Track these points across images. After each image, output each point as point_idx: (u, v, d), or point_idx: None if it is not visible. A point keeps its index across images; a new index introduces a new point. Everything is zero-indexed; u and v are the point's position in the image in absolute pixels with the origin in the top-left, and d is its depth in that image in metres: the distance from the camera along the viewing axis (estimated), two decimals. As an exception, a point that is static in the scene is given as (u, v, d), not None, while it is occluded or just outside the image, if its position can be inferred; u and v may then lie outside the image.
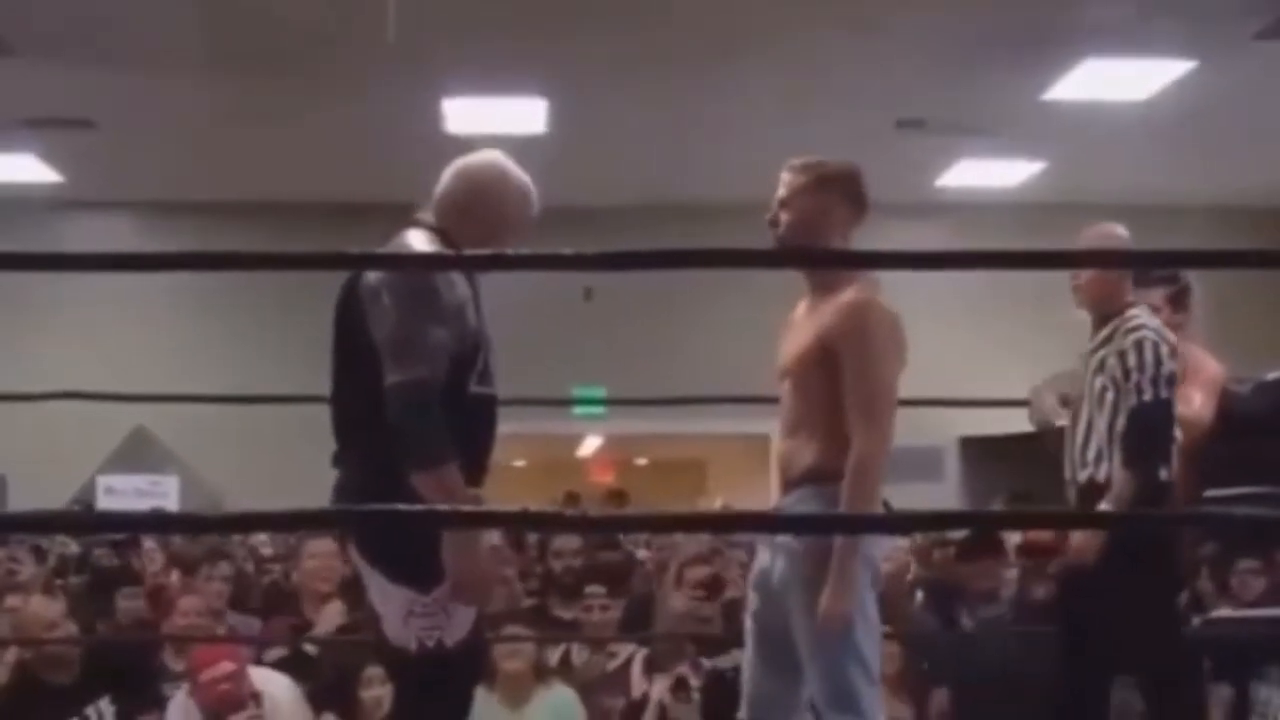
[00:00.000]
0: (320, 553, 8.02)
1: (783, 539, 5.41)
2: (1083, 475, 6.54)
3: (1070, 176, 14.83)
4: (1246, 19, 10.86)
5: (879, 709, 5.32)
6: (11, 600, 8.36)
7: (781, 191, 5.61)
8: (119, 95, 12.54)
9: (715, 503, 19.30)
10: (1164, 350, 6.45)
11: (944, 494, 15.90)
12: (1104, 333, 6.58)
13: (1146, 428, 6.39)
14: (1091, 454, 6.52)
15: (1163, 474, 6.40)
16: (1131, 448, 6.37)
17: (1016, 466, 14.63)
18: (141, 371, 14.02)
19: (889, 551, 7.91)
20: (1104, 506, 6.34)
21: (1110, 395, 6.48)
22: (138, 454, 15.45)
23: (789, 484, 5.47)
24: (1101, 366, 6.52)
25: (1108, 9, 10.70)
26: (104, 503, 14.88)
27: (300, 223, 14.55)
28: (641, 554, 10.63)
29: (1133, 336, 6.47)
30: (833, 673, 5.28)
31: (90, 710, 7.34)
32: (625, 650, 7.73)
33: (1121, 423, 6.43)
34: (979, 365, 14.52)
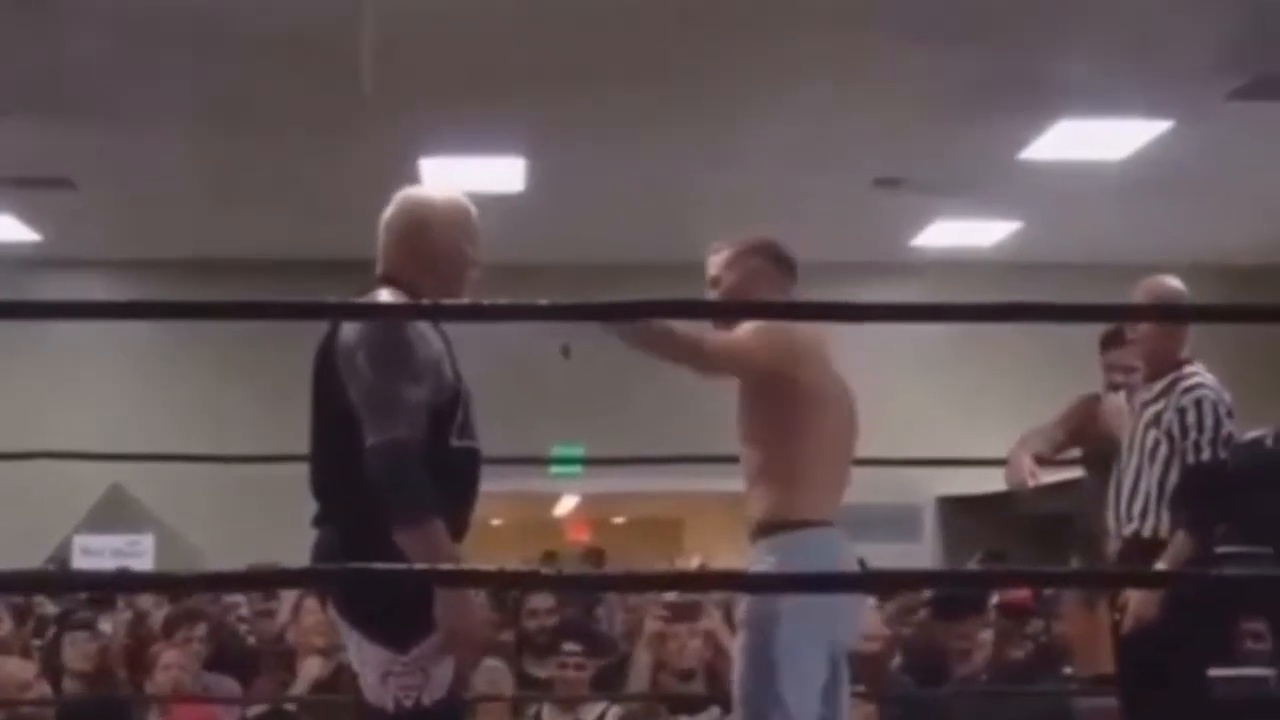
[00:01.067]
0: (317, 609, 7.99)
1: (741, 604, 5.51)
2: (1128, 529, 6.53)
3: (1046, 236, 14.87)
4: (1221, 79, 10.91)
5: None
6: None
7: (710, 272, 5.77)
8: (99, 154, 12.54)
9: (692, 561, 19.27)
10: (1222, 410, 6.46)
11: (922, 553, 15.88)
12: (1158, 387, 6.57)
13: (1204, 488, 6.38)
14: (1138, 508, 6.51)
15: (1213, 536, 6.40)
16: (1189, 508, 6.36)
17: (993, 525, 14.68)
18: (119, 430, 13.99)
19: (869, 629, 7.93)
20: (1160, 566, 6.32)
21: (1164, 450, 6.47)
22: (114, 513, 15.37)
23: (750, 538, 5.55)
24: (1156, 420, 6.51)
25: (1083, 69, 10.76)
26: (80, 562, 14.81)
27: (279, 281, 14.50)
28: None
29: (1192, 395, 6.47)
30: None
31: None
32: (596, 709, 7.71)
33: (1174, 480, 6.43)
34: (956, 425, 14.51)
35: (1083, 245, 14.99)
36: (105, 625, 9.25)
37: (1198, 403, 6.45)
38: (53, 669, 8.29)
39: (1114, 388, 7.18)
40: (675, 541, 22.98)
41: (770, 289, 5.68)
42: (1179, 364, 6.59)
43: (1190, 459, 6.40)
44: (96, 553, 15.04)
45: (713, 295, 5.74)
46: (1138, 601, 6.38)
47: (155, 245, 15.33)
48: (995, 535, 14.34)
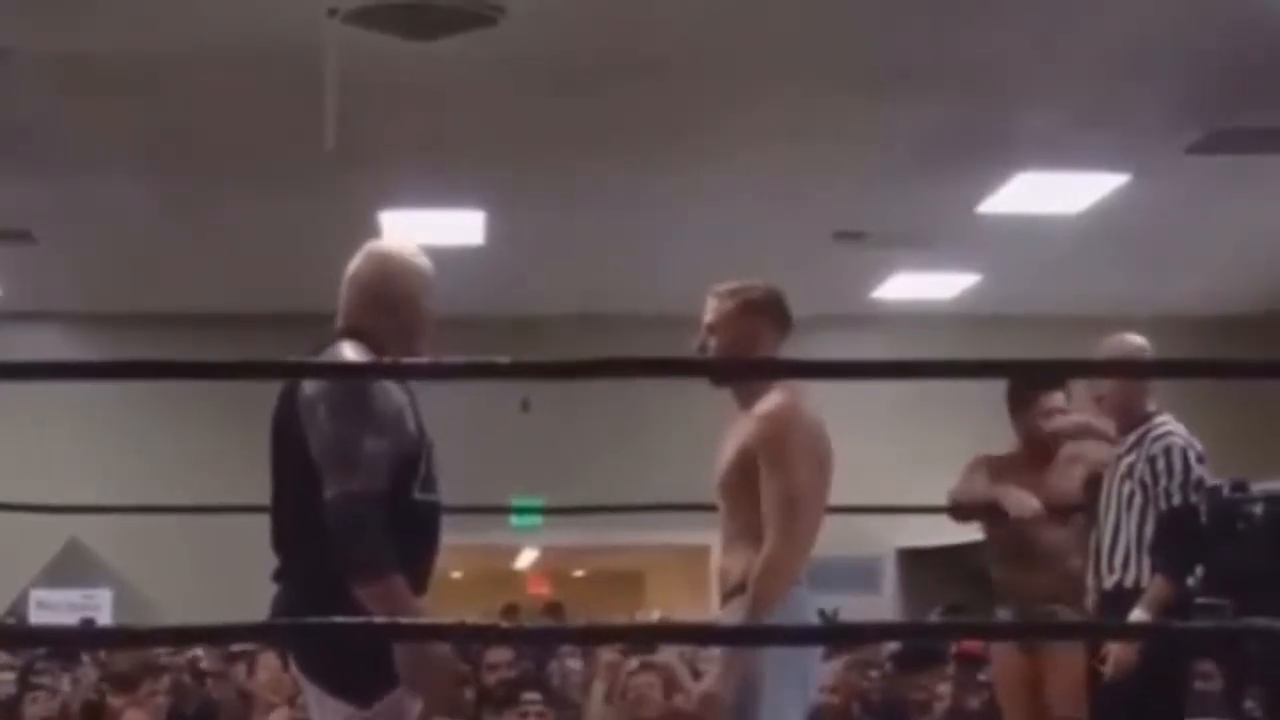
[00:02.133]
0: (272, 664, 7.96)
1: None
2: (1109, 581, 6.62)
3: (1006, 289, 14.91)
4: (1179, 133, 10.98)
5: None
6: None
7: (709, 317, 5.77)
8: (58, 207, 12.50)
9: (653, 615, 19.24)
10: (1191, 456, 6.55)
11: (882, 606, 15.88)
12: (1130, 439, 6.67)
13: (1176, 534, 6.46)
14: (1119, 559, 6.60)
15: (1190, 581, 6.48)
16: (1162, 554, 6.45)
17: (954, 578, 14.68)
18: (75, 484, 13.93)
19: (830, 681, 7.96)
20: (1137, 611, 6.38)
21: (1139, 500, 6.56)
22: (71, 567, 15.30)
23: (725, 597, 5.53)
24: (1130, 472, 6.62)
25: (1041, 123, 10.81)
26: (36, 617, 14.73)
27: (239, 333, 14.49)
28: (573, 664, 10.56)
29: (1161, 443, 6.60)
30: None
31: None
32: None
33: (1151, 528, 6.50)
34: (915, 475, 14.52)
35: (1042, 298, 15.04)
36: (63, 681, 9.21)
37: (1167, 450, 6.55)
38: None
39: (1048, 433, 7.27)
40: (636, 595, 22.96)
41: (769, 351, 5.71)
42: (1148, 416, 6.70)
43: (1162, 505, 6.50)
44: (53, 607, 14.96)
45: (706, 340, 5.74)
46: (1117, 652, 6.43)
47: (116, 299, 15.29)
48: (954, 586, 14.36)
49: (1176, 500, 6.50)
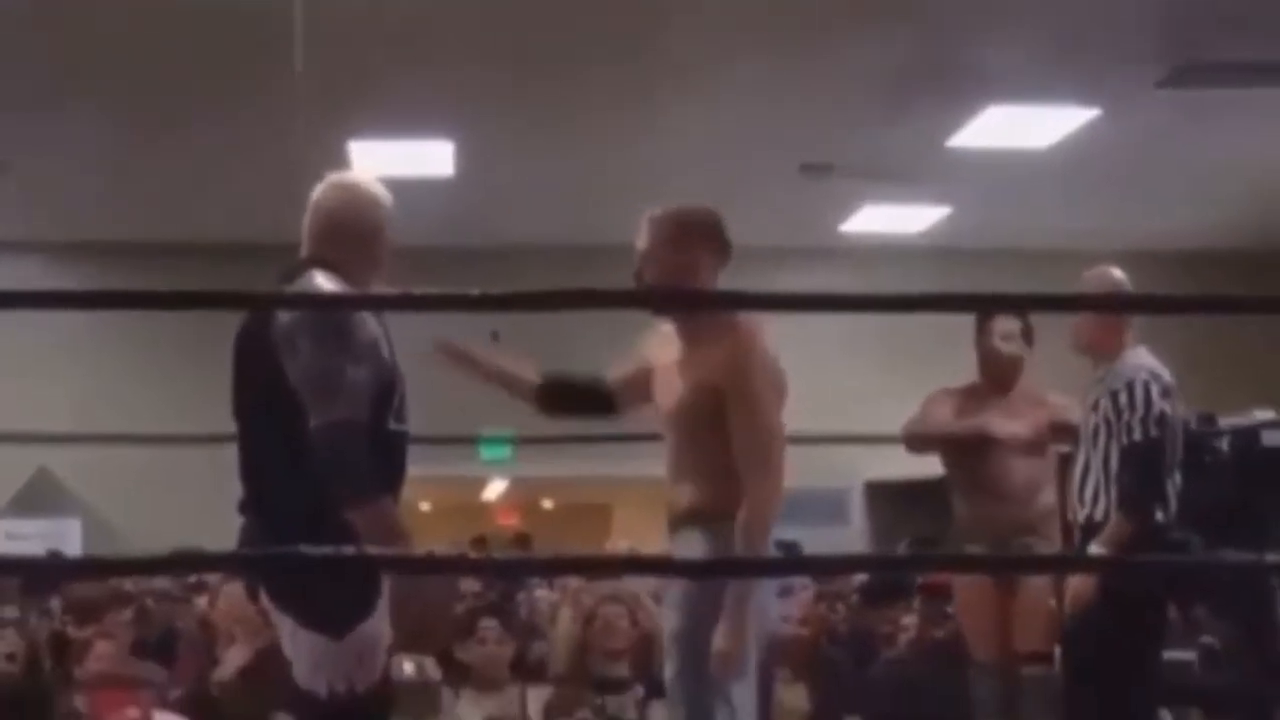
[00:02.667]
0: (233, 594, 7.94)
1: (668, 588, 5.49)
2: (1080, 515, 6.64)
3: (975, 222, 14.93)
4: (1149, 67, 10.99)
5: None
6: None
7: (642, 244, 5.63)
8: (31, 136, 12.45)
9: (620, 546, 19.28)
10: (1154, 390, 6.54)
11: (849, 537, 15.94)
12: (1100, 373, 6.68)
13: (1138, 468, 6.47)
14: (1089, 493, 6.62)
15: (1158, 515, 6.48)
16: (1124, 488, 6.46)
17: (922, 510, 14.73)
18: (45, 412, 13.90)
19: (802, 612, 7.99)
20: (1094, 546, 6.40)
21: (1103, 434, 6.56)
22: (40, 497, 15.29)
23: (674, 525, 5.53)
24: (1095, 406, 6.62)
25: (1011, 56, 10.81)
26: (5, 547, 14.72)
27: (210, 263, 14.43)
28: (541, 594, 10.58)
29: (1124, 377, 6.59)
30: (695, 709, 5.34)
31: None
32: (514, 690, 7.72)
33: (1115, 462, 6.51)
34: (883, 408, 14.55)
35: (1011, 231, 15.06)
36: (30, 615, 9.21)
37: (1129, 384, 6.55)
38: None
39: (991, 353, 7.29)
40: (604, 526, 23.00)
41: (708, 280, 5.61)
42: (1119, 350, 6.68)
43: (1124, 440, 6.49)
44: (22, 537, 14.95)
45: (641, 267, 5.65)
46: (1075, 586, 6.46)
47: (87, 228, 15.23)
48: (922, 519, 14.41)
49: (1137, 435, 6.49)
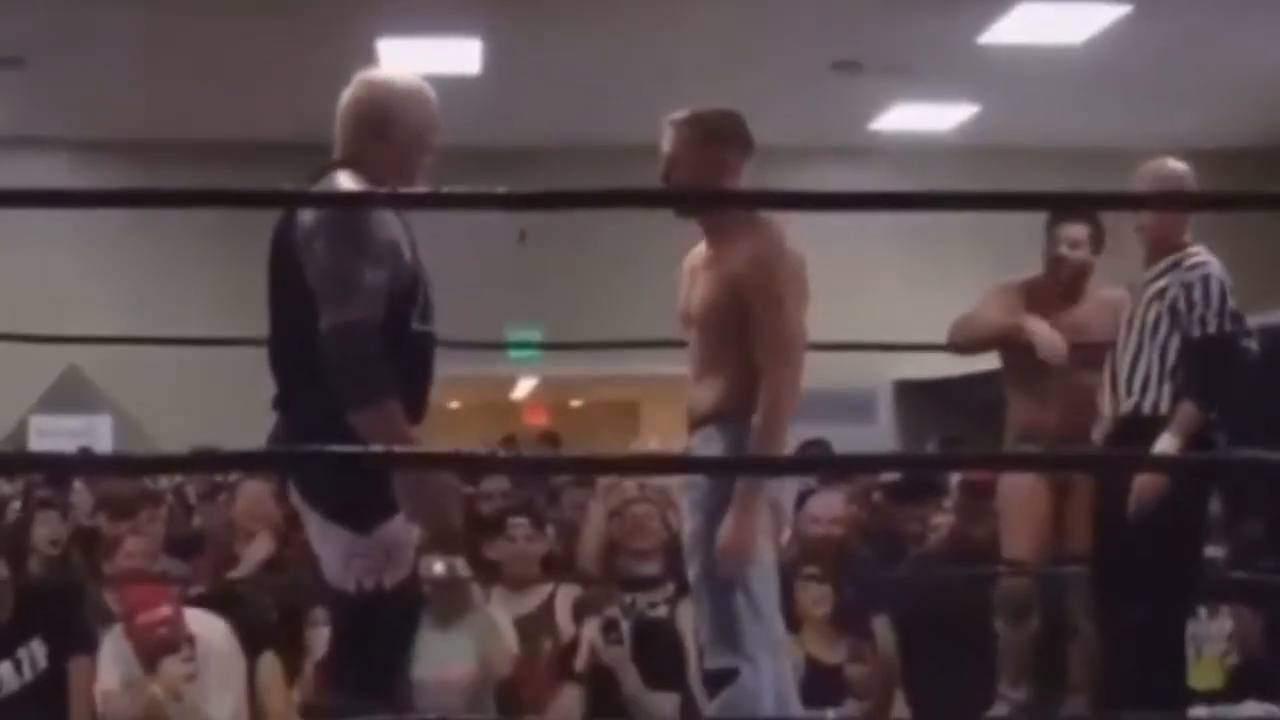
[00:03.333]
0: (254, 493, 7.99)
1: (690, 488, 5.52)
2: (1127, 405, 6.52)
3: (1005, 120, 14.86)
4: (1181, -37, 10.91)
5: (765, 650, 5.39)
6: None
7: (667, 147, 5.67)
8: (49, 32, 12.42)
9: (649, 443, 19.31)
10: (1227, 286, 6.48)
11: (878, 437, 15.96)
12: (1161, 265, 6.56)
13: (1210, 361, 6.41)
14: (1138, 383, 6.50)
15: (1214, 412, 6.42)
16: (1194, 380, 6.38)
17: (949, 409, 14.74)
18: (75, 312, 13.94)
19: (834, 511, 7.96)
20: (1165, 438, 6.34)
21: (1165, 326, 6.48)
22: (70, 395, 15.37)
23: (694, 425, 5.56)
24: (1160, 296, 6.50)
25: (1043, -48, 10.74)
26: (36, 444, 14.81)
27: (233, 161, 14.45)
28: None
29: (1198, 272, 6.49)
30: (718, 611, 5.39)
31: (21, 652, 7.31)
32: (545, 589, 7.73)
33: (1174, 356, 6.44)
34: (912, 308, 14.55)
35: (1042, 130, 14.99)
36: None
37: (1204, 279, 6.45)
38: (14, 549, 8.27)
39: (1057, 260, 7.17)
40: (632, 424, 23.05)
41: (733, 179, 5.63)
42: (1182, 245, 6.61)
43: (1195, 332, 6.42)
44: (52, 434, 15.05)
45: (668, 171, 5.67)
46: (1144, 480, 6.37)
47: (110, 126, 15.23)
48: (949, 418, 14.42)
49: (1212, 328, 6.42)
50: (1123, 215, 6.94)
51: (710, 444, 5.48)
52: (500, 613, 7.48)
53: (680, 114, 5.71)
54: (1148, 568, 6.39)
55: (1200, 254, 6.57)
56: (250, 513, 8.11)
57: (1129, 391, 6.53)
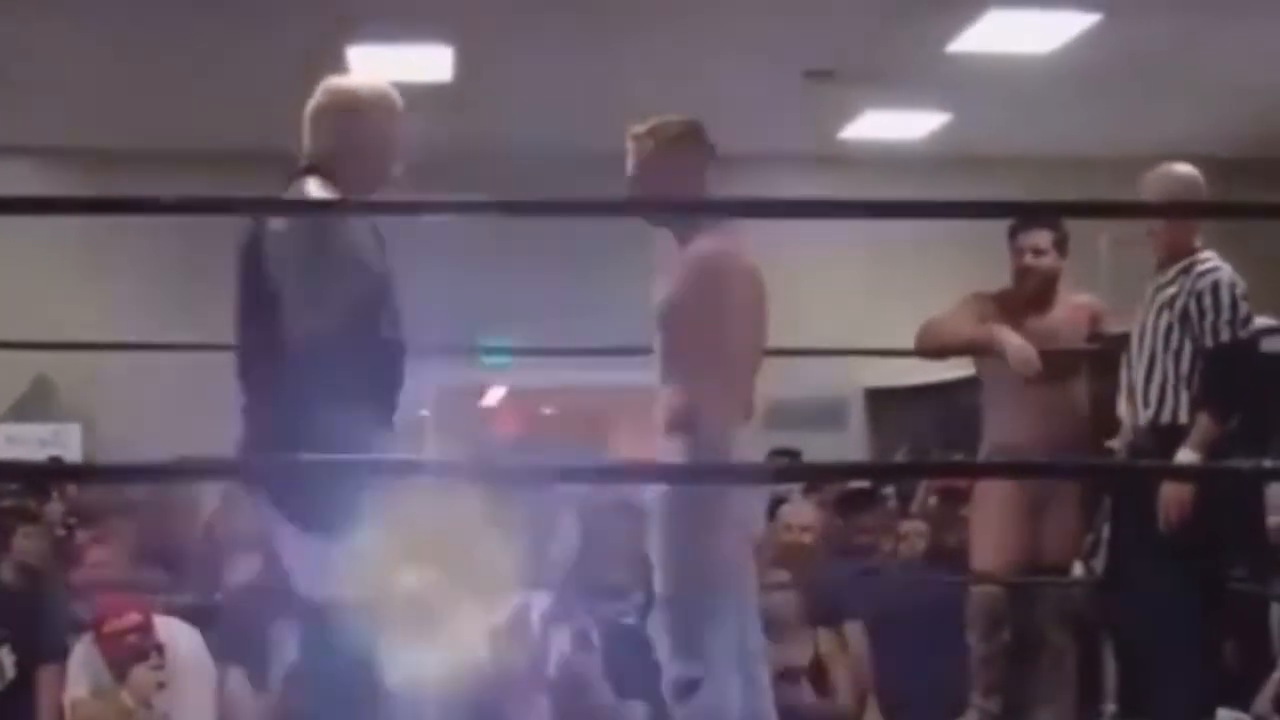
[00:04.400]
0: (242, 503, 7.92)
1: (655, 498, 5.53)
2: (1145, 416, 6.51)
3: (976, 129, 14.87)
4: (1151, -28, 10.93)
5: (724, 656, 5.38)
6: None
7: (630, 164, 5.69)
8: (25, 42, 12.38)
9: (619, 453, 19.31)
10: (1239, 292, 6.47)
11: (848, 444, 15.95)
12: (1172, 272, 6.56)
13: (1224, 371, 6.38)
14: (1154, 394, 6.50)
15: (1232, 420, 6.40)
16: (1210, 389, 6.36)
17: (921, 417, 14.75)
18: (45, 319, 13.89)
19: (805, 519, 7.96)
20: (1185, 451, 6.31)
21: (1177, 334, 6.47)
22: (39, 403, 15.32)
23: (659, 432, 5.57)
24: (1170, 304, 6.50)
25: (1013, -40, 10.75)
26: (4, 452, 14.76)
27: (207, 170, 14.39)
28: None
29: (1209, 279, 6.49)
30: (680, 620, 5.39)
31: None
32: (515, 599, 7.72)
33: (1188, 363, 6.43)
34: (883, 316, 14.56)
35: (1013, 138, 15.00)
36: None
37: (1214, 286, 6.45)
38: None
39: (1024, 270, 7.17)
40: (602, 434, 23.02)
41: (697, 185, 5.66)
42: (1192, 250, 6.60)
43: (1208, 341, 6.40)
44: (22, 442, 15.00)
45: (634, 186, 5.70)
46: (1171, 494, 6.35)
47: (85, 134, 15.18)
48: (921, 426, 14.43)
49: (1225, 336, 6.40)
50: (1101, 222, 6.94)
51: (669, 454, 5.48)
52: (472, 622, 7.47)
53: (639, 126, 5.75)
54: (1175, 579, 6.38)
55: (1211, 259, 6.57)
56: (237, 523, 8.09)
57: (1146, 402, 6.52)
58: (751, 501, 5.65)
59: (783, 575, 7.56)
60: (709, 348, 5.42)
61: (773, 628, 7.28)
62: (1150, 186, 6.72)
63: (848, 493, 8.98)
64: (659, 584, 5.47)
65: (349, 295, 4.66)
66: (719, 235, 5.50)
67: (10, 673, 7.29)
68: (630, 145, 5.73)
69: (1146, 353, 6.57)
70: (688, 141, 5.70)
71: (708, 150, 5.73)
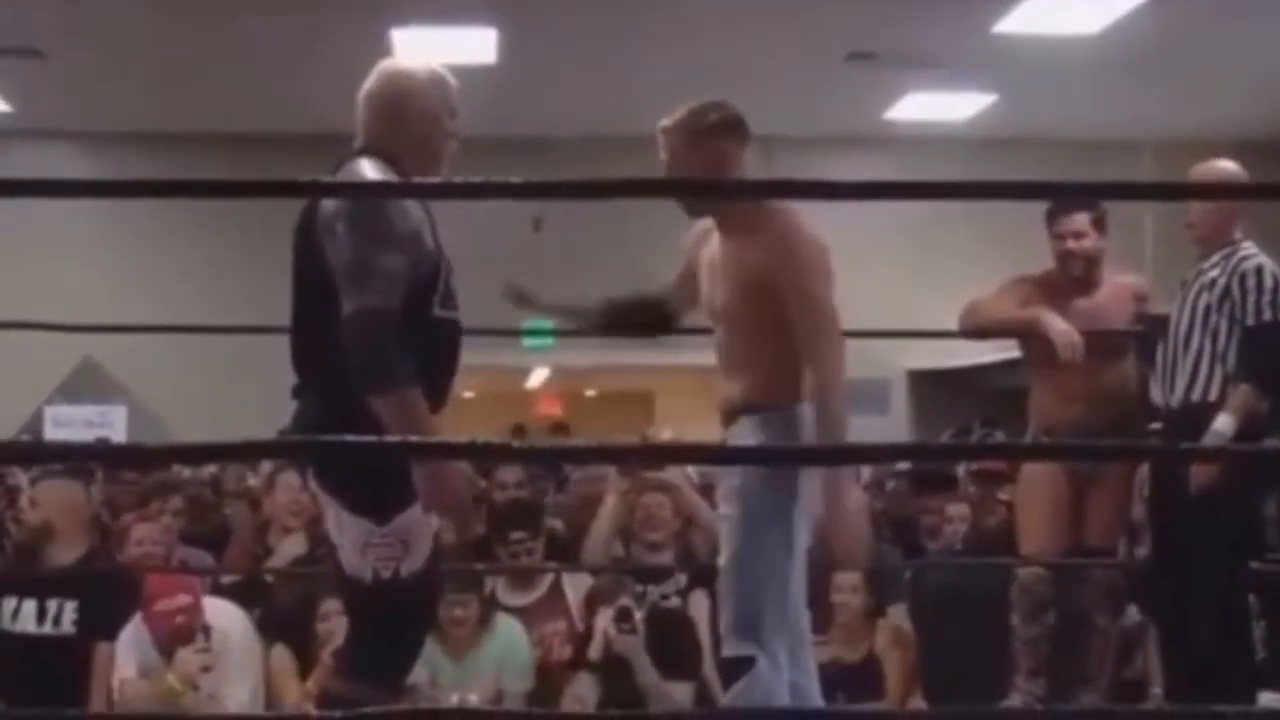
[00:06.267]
0: (292, 485, 7.92)
1: (726, 475, 5.49)
2: (1177, 394, 6.56)
3: (1021, 110, 14.84)
4: (1197, -48, 10.89)
5: (780, 639, 5.36)
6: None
7: (664, 155, 5.62)
8: (67, 24, 12.44)
9: (663, 434, 19.31)
10: None
11: (892, 427, 15.94)
12: (1214, 258, 6.62)
13: (1267, 347, 6.44)
14: (1188, 370, 6.54)
15: (1265, 402, 6.45)
16: (1250, 366, 6.42)
17: (963, 399, 14.74)
18: (90, 302, 13.96)
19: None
20: (1223, 417, 6.35)
21: (1215, 315, 6.52)
22: (86, 384, 15.40)
23: (729, 417, 5.52)
24: (1211, 286, 6.55)
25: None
26: (52, 434, 14.84)
27: (250, 153, 14.46)
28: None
29: (1251, 262, 6.57)
30: (744, 599, 5.34)
31: (51, 602, 7.35)
32: (548, 576, 7.72)
33: (1224, 343, 6.48)
34: (926, 298, 14.55)
35: (1057, 120, 14.97)
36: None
37: (1258, 269, 6.53)
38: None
39: (1066, 255, 7.15)
40: (646, 414, 23.07)
41: (736, 169, 5.57)
42: (1233, 241, 6.66)
43: (1250, 320, 6.46)
44: (68, 424, 15.10)
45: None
46: (1201, 467, 6.38)
47: (127, 117, 15.25)
48: (963, 408, 14.42)
49: (1267, 316, 6.47)
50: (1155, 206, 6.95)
51: (745, 437, 5.44)
52: (510, 602, 7.52)
53: (668, 119, 5.63)
54: (1210, 555, 6.41)
55: (1251, 248, 6.65)
56: (286, 504, 8.11)
57: (1181, 379, 6.56)
58: (815, 483, 5.58)
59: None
60: (819, 324, 5.36)
61: (831, 619, 7.33)
62: (1194, 179, 6.77)
63: (925, 474, 8.97)
64: (725, 562, 5.41)
65: (404, 274, 4.67)
66: (781, 216, 5.42)
67: (68, 627, 7.33)
68: (660, 139, 5.63)
69: (1182, 333, 6.61)
70: (720, 129, 5.58)
71: (740, 132, 5.61)
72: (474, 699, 7.00)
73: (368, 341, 4.60)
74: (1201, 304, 6.58)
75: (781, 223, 5.40)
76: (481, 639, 7.22)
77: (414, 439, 4.46)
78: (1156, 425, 6.90)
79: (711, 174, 5.52)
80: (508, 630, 7.36)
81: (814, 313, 5.36)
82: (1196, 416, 6.44)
